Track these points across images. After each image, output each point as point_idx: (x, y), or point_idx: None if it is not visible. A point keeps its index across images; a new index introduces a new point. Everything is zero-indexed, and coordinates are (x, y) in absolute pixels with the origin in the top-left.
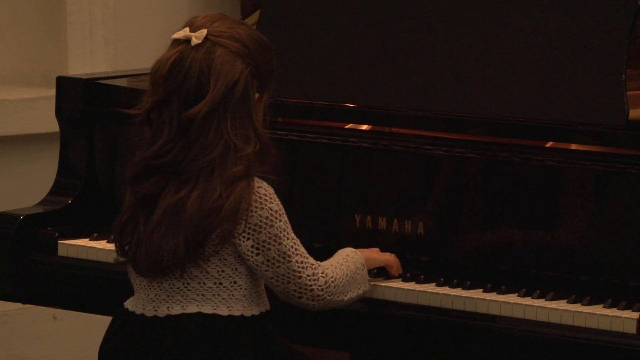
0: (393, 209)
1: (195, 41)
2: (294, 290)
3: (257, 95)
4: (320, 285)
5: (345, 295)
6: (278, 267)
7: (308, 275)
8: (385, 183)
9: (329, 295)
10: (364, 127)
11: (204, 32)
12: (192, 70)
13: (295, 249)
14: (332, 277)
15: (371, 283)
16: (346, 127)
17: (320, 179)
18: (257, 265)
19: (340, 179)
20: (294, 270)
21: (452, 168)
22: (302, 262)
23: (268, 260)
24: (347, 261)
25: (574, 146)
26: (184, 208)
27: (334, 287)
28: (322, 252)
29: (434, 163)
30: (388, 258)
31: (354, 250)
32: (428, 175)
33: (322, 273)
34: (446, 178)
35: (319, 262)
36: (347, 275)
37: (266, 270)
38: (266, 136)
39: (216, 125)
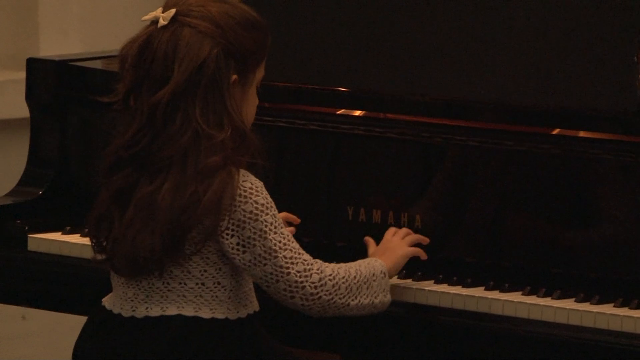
0: (388, 201)
1: (162, 22)
2: (285, 290)
3: (234, 77)
4: (313, 282)
5: (353, 300)
6: (265, 264)
7: (298, 272)
8: (380, 173)
9: (325, 295)
10: (357, 112)
11: (172, 12)
12: (159, 53)
13: (284, 244)
14: (330, 274)
15: None
16: (338, 112)
17: (310, 168)
18: (245, 265)
19: (331, 168)
20: (281, 267)
21: (452, 157)
22: (291, 258)
23: (255, 258)
24: (360, 265)
25: (582, 133)
26: (156, 202)
27: (333, 287)
28: (311, 247)
29: (433, 152)
30: (413, 240)
31: (375, 258)
32: (426, 164)
33: (318, 270)
34: (445, 168)
35: (318, 261)
36: (354, 277)
37: (254, 270)
38: (243, 122)
39: (183, 111)
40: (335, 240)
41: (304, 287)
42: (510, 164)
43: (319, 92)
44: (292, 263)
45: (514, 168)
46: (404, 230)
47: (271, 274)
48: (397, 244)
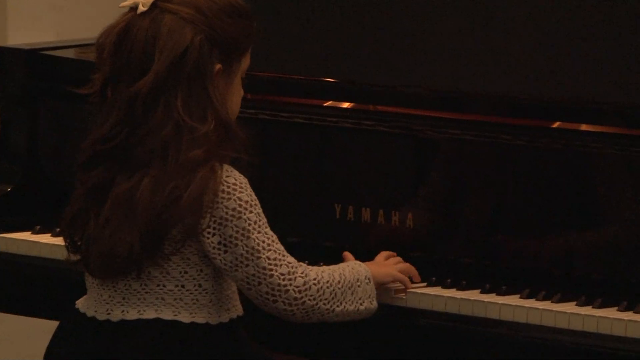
0: (378, 198)
1: (141, 8)
2: (267, 293)
3: (218, 66)
4: (297, 286)
5: (338, 306)
6: (247, 265)
7: (282, 274)
8: (369, 169)
9: (309, 300)
10: (346, 104)
11: None
12: (138, 41)
13: (268, 245)
14: (315, 279)
15: None
16: (325, 104)
17: (295, 164)
18: (226, 266)
19: (318, 164)
20: (264, 268)
21: (446, 152)
22: (274, 259)
23: (236, 259)
24: (343, 269)
25: (584, 127)
26: (135, 199)
27: (317, 291)
28: (297, 248)
29: (425, 146)
30: (403, 269)
31: (359, 262)
32: (418, 160)
33: (302, 273)
34: (439, 163)
35: (302, 264)
36: (339, 282)
37: (236, 271)
38: (227, 114)
39: (164, 102)
40: (322, 240)
41: (287, 291)
42: (507, 159)
43: (304, 83)
44: (275, 265)
45: (512, 163)
46: (397, 258)
47: (253, 275)
48: (387, 263)
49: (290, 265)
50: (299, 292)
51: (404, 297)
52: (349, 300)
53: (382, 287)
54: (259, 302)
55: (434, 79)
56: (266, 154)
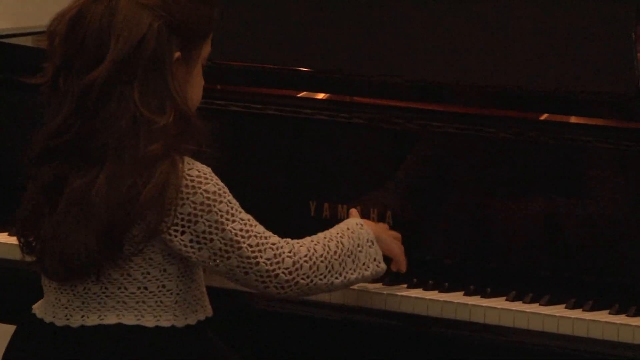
0: (355, 195)
1: None
2: (256, 281)
3: (177, 54)
4: (286, 268)
5: (337, 277)
6: (229, 258)
7: (268, 259)
8: (346, 164)
9: (303, 279)
10: (321, 95)
11: None
12: (91, 28)
13: (247, 231)
14: (305, 255)
15: None
16: (299, 95)
17: (268, 158)
18: (204, 263)
19: (291, 158)
20: (248, 257)
21: (428, 145)
22: (257, 245)
23: (215, 254)
24: (342, 236)
25: (573, 119)
26: (90, 197)
27: (310, 268)
28: None
29: (406, 139)
30: (398, 250)
31: (359, 221)
32: (398, 154)
33: (289, 252)
34: (420, 158)
35: (287, 240)
36: (335, 252)
37: (217, 266)
38: (187, 105)
39: (120, 93)
40: (296, 238)
41: (277, 276)
42: (492, 153)
43: (277, 73)
44: (259, 251)
45: (497, 158)
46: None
47: (237, 267)
48: (390, 232)
49: (275, 246)
50: (290, 273)
51: (368, 288)
52: (350, 269)
53: (371, 292)
54: (252, 289)
55: (414, 69)
56: (237, 147)
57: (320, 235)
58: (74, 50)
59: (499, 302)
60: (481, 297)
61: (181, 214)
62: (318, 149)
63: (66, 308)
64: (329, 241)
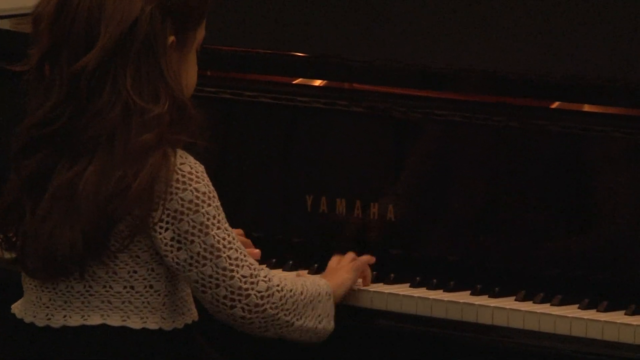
0: (355, 188)
1: None
2: (225, 297)
3: (172, 39)
4: (260, 291)
5: (298, 319)
6: (204, 265)
7: (243, 276)
8: (345, 155)
9: (271, 308)
10: (318, 82)
11: None
12: (81, 11)
13: (229, 242)
14: (278, 285)
15: None
16: (294, 82)
17: (261, 149)
18: (178, 265)
19: (286, 149)
20: (224, 269)
21: (432, 136)
22: (236, 259)
23: (192, 257)
24: (304, 281)
25: (586, 107)
26: (78, 190)
27: (280, 299)
28: (262, 244)
29: (408, 129)
30: (356, 267)
31: (319, 277)
32: (400, 145)
33: (265, 277)
34: (423, 148)
35: (263, 267)
36: (301, 293)
37: (190, 271)
38: (183, 93)
39: (112, 81)
40: (291, 235)
41: (248, 296)
42: (500, 144)
43: (271, 58)
44: (237, 266)
45: (505, 148)
46: (349, 255)
47: (210, 277)
48: (343, 267)
49: (252, 267)
50: (261, 297)
51: (368, 289)
52: (309, 315)
53: (371, 291)
54: (212, 308)
55: (418, 54)
56: (228, 138)
57: (287, 274)
58: (62, 34)
59: (508, 302)
60: (489, 296)
61: (168, 209)
62: (315, 139)
63: (47, 307)
64: (295, 281)
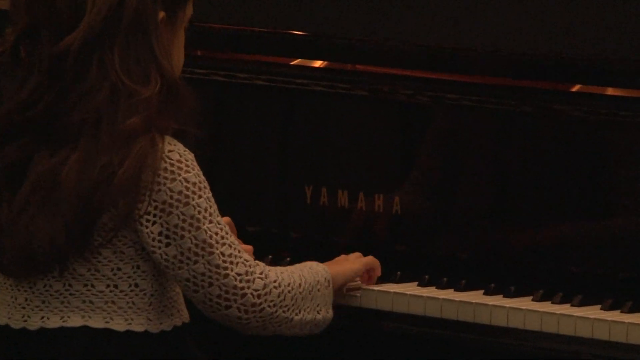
0: (358, 178)
1: None
2: (219, 297)
3: (162, 14)
4: (256, 290)
5: (297, 314)
6: (196, 262)
7: (238, 274)
8: (346, 142)
9: (269, 307)
10: (318, 63)
11: None
12: None
13: (222, 237)
14: (275, 281)
15: None
16: (292, 63)
17: (256, 136)
18: (167, 262)
19: (283, 136)
20: (217, 266)
21: (441, 122)
22: (230, 255)
23: (182, 254)
24: (302, 270)
25: (610, 91)
26: (59, 180)
27: (278, 296)
28: (258, 239)
29: (415, 114)
30: (365, 262)
31: (316, 262)
32: (407, 131)
33: (261, 274)
34: (432, 135)
35: (258, 262)
36: (299, 285)
37: (180, 269)
38: (174, 73)
39: (98, 61)
40: (289, 229)
41: (244, 295)
42: (515, 131)
43: (267, 37)
44: (231, 263)
45: (521, 136)
46: (357, 253)
47: (203, 275)
48: (349, 257)
49: (247, 263)
50: (258, 296)
51: (359, 296)
52: (308, 307)
53: (376, 291)
54: (206, 308)
55: (424, 32)
56: (220, 123)
57: (282, 267)
58: (44, 12)
59: (524, 303)
60: (503, 296)
61: (155, 201)
62: (314, 125)
63: (23, 308)
64: (292, 273)
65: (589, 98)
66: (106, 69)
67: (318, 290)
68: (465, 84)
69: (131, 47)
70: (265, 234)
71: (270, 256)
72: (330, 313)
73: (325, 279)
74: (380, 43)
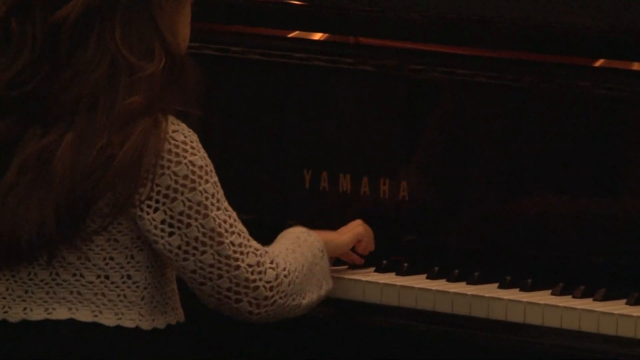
0: (361, 162)
1: None
2: (229, 290)
3: None
4: (268, 282)
5: (303, 298)
6: (203, 252)
7: (250, 266)
8: (350, 122)
9: (281, 298)
10: (318, 36)
11: None
12: None
13: (231, 225)
14: (285, 269)
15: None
16: (290, 36)
17: (251, 115)
18: (171, 252)
19: (281, 115)
20: (228, 257)
21: (453, 99)
22: (240, 245)
23: (188, 244)
24: (299, 245)
25: (636, 66)
26: (52, 161)
27: (289, 285)
28: (252, 227)
29: (425, 91)
30: (356, 232)
31: (305, 229)
32: (415, 110)
33: (272, 263)
34: (442, 114)
35: (266, 249)
36: (303, 266)
37: (185, 260)
38: (180, 49)
39: (98, 34)
40: (287, 216)
41: (256, 288)
42: (533, 109)
43: (262, 7)
44: (241, 253)
45: (539, 114)
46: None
47: (212, 266)
48: (341, 229)
49: (258, 253)
50: (270, 289)
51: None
52: (312, 287)
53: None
54: (212, 301)
55: (435, 2)
56: (211, 101)
57: (281, 245)
58: None
59: (543, 297)
60: (520, 290)
61: (158, 185)
62: (314, 103)
63: (4, 298)
64: (293, 252)
65: (613, 74)
66: (106, 42)
67: (316, 265)
68: (479, 58)
69: (133, 21)
70: (260, 221)
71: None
72: (330, 283)
73: (319, 249)
74: (386, 14)
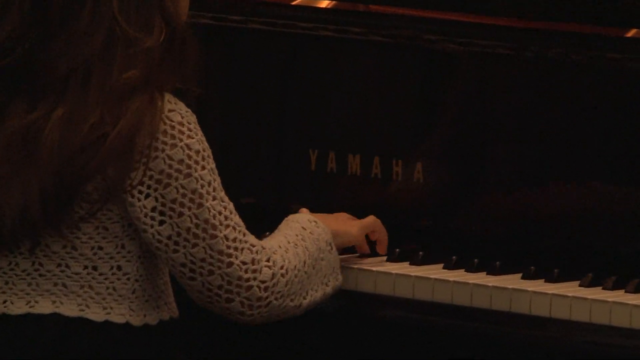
0: (373, 141)
1: None
2: (220, 287)
3: None
4: (263, 281)
5: (304, 297)
6: (195, 245)
7: (244, 263)
8: (359, 98)
9: (276, 299)
10: (324, 3)
11: None
12: None
13: (226, 218)
14: (282, 267)
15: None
16: (294, 3)
17: (252, 90)
18: (160, 243)
19: (284, 90)
20: (221, 253)
21: (472, 72)
22: (235, 240)
23: (179, 235)
24: (303, 238)
25: None
26: (40, 138)
27: (285, 285)
28: (254, 212)
29: (441, 64)
30: (365, 223)
31: (310, 218)
32: (431, 84)
33: (268, 260)
34: (461, 89)
35: (263, 245)
36: (305, 263)
37: (175, 252)
38: (181, 20)
39: (92, 3)
40: (291, 201)
41: (250, 288)
42: (559, 83)
43: None
44: (236, 249)
45: (568, 89)
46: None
47: (203, 260)
48: (352, 218)
49: (253, 249)
50: (265, 289)
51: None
52: (315, 284)
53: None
54: (202, 298)
55: None
56: (208, 75)
57: (281, 238)
58: None
59: (570, 289)
60: (545, 281)
61: (151, 170)
62: (321, 77)
63: None
64: (294, 246)
65: None
66: (101, 12)
67: (322, 260)
68: (499, 27)
69: None
70: (261, 207)
71: (267, 233)
72: (340, 279)
73: (326, 242)
74: None
